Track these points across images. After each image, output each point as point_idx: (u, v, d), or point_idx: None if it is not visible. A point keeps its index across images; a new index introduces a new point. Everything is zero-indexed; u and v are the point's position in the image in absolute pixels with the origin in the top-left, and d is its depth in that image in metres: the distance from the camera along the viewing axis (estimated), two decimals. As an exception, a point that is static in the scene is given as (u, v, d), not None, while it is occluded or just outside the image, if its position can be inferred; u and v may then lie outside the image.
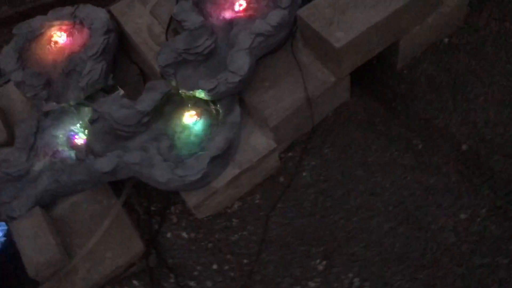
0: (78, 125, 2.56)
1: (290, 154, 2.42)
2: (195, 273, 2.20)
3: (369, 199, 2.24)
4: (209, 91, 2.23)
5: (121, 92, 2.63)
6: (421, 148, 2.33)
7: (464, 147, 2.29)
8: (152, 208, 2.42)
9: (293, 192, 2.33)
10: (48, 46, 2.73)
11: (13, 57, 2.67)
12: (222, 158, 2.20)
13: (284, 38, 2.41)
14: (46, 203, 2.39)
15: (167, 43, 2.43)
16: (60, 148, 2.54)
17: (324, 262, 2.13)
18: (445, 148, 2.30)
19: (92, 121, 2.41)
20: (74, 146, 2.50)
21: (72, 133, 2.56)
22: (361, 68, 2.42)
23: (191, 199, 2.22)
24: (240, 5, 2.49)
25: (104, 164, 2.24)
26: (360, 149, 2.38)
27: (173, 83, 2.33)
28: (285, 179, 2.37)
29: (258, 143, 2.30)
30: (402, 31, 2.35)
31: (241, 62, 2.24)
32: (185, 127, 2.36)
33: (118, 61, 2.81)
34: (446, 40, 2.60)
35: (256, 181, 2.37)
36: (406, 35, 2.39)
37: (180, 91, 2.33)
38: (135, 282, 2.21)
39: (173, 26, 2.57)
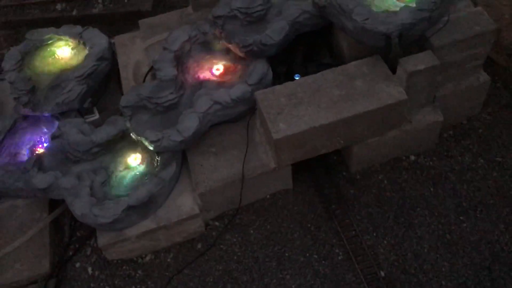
0: (46, 136, 2.71)
1: (217, 223, 2.42)
2: (83, 310, 2.24)
3: (269, 295, 2.19)
4: (151, 142, 2.30)
5: (96, 116, 2.76)
6: (340, 259, 2.25)
7: (382, 273, 2.18)
8: (78, 234, 2.49)
9: (204, 262, 2.32)
10: (49, 57, 2.92)
11: (16, 58, 2.88)
12: (140, 209, 2.24)
13: (245, 112, 2.44)
14: (-11, 199, 2.54)
15: (136, 86, 2.54)
16: (22, 152, 2.69)
17: None
18: (364, 267, 2.20)
19: (53, 137, 2.54)
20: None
21: (38, 141, 2.71)
22: (318, 161, 2.39)
23: (102, 240, 2.27)
24: (218, 69, 2.55)
25: (41, 180, 2.35)
26: (283, 241, 2.33)
27: (127, 124, 2.42)
28: (203, 246, 2.37)
29: (184, 205, 2.32)
30: (356, 139, 2.30)
31: (189, 124, 2.29)
32: (126, 168, 2.43)
33: (109, 88, 2.94)
34: (412, 158, 2.52)
35: (175, 240, 2.39)
36: (361, 143, 2.34)
37: (131, 134, 2.41)
38: (28, 299, 2.29)
39: (154, 71, 2.68)
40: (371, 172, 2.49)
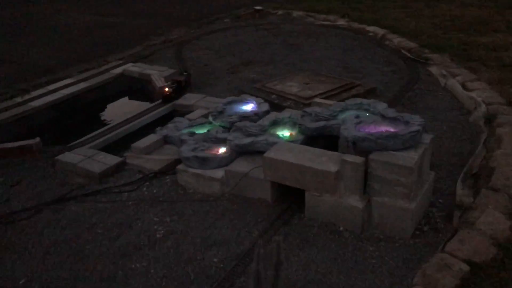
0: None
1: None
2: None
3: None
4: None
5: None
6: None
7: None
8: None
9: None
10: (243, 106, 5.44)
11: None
12: (198, 161, 4.35)
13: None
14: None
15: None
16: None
17: None
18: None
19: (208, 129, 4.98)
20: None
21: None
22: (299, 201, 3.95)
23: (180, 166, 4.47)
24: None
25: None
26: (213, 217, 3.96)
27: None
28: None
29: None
30: (304, 186, 3.80)
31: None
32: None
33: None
34: (341, 228, 3.75)
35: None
36: (310, 194, 3.80)
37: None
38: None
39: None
40: (315, 223, 3.84)
